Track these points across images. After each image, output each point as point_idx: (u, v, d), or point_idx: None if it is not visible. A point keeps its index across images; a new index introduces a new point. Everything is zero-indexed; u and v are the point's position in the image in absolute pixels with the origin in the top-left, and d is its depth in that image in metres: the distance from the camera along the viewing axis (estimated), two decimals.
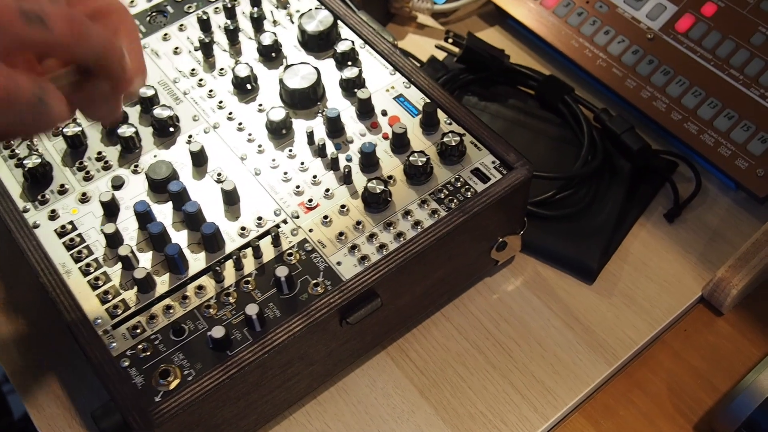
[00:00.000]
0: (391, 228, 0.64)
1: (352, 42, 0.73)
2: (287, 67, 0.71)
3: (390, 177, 0.67)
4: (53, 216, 0.66)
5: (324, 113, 0.69)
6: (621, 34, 0.84)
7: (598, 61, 0.84)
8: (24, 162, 0.67)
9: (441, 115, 0.70)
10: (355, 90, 0.70)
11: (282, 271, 0.61)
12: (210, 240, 0.63)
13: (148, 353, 0.59)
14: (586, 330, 0.72)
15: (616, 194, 0.77)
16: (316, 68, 0.71)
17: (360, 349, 0.68)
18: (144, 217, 0.64)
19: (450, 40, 0.84)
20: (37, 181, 0.68)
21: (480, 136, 0.68)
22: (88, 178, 0.68)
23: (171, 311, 0.61)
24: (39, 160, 0.67)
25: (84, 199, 0.67)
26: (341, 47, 0.73)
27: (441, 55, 0.88)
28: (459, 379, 0.69)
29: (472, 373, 0.70)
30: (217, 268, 0.62)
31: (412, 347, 0.71)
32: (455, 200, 0.65)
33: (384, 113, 0.70)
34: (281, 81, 0.70)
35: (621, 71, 0.83)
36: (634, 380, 0.70)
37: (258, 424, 0.65)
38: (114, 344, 0.59)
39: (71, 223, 0.66)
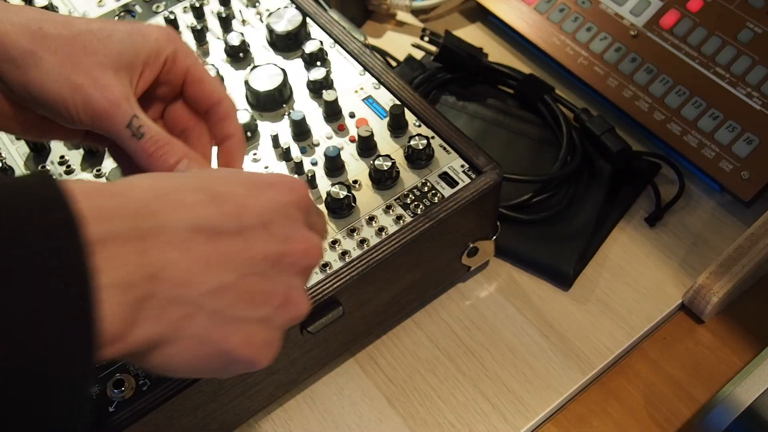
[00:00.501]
0: (355, 234, 0.62)
1: (321, 42, 0.72)
2: (253, 68, 0.70)
3: (355, 181, 0.65)
4: None
5: (289, 116, 0.67)
6: (603, 30, 0.82)
7: (580, 59, 0.82)
8: None
9: (411, 117, 0.68)
10: (323, 91, 0.68)
11: None
12: None
13: (104, 361, 0.58)
14: (560, 338, 0.70)
15: (595, 197, 0.75)
16: (282, 69, 0.69)
17: (325, 357, 0.66)
18: None
19: (426, 39, 0.82)
20: None
21: (449, 138, 0.66)
22: None
23: None
24: (1, 164, 0.66)
25: None
26: (309, 47, 0.71)
27: (419, 54, 0.86)
28: (428, 387, 0.68)
29: (441, 382, 0.68)
30: None
31: (381, 354, 0.70)
32: (421, 206, 0.63)
33: (352, 115, 0.69)
34: (246, 83, 0.69)
35: (603, 69, 0.81)
36: (609, 390, 0.68)
37: None
38: None
39: None
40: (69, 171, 0.67)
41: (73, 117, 0.52)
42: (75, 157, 0.68)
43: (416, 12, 0.93)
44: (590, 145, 0.77)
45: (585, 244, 0.73)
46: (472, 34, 0.92)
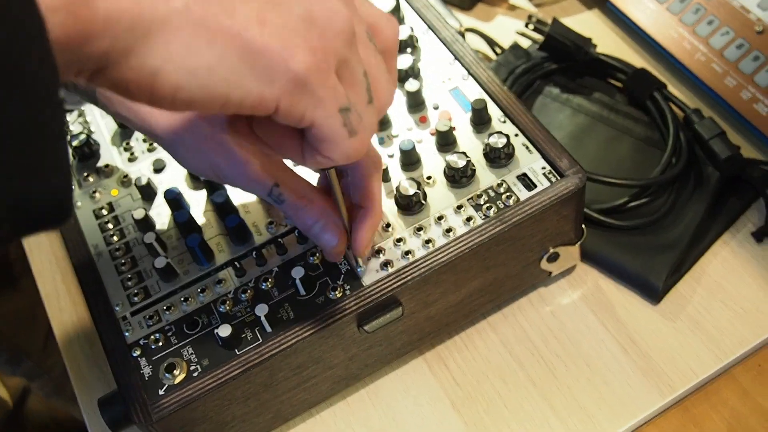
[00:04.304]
0: (421, 233, 0.60)
1: (412, 28, 0.69)
2: None
3: (429, 177, 0.62)
4: (93, 196, 0.67)
5: None
6: (726, 24, 0.74)
7: (697, 55, 0.75)
8: (73, 139, 0.68)
9: (497, 112, 0.65)
10: (407, 81, 0.66)
11: (298, 272, 0.58)
12: (234, 233, 0.62)
13: (160, 344, 0.58)
14: (642, 355, 0.65)
15: (697, 206, 0.69)
16: None
17: (389, 354, 0.65)
18: (174, 203, 0.64)
19: (531, 27, 0.78)
20: (84, 158, 0.68)
21: (533, 137, 0.63)
22: (132, 159, 0.68)
23: (188, 303, 0.60)
24: (86, 138, 0.68)
25: (125, 180, 0.67)
26: (399, 34, 0.68)
27: (526, 42, 0.81)
28: (496, 394, 0.65)
29: (510, 390, 0.65)
30: (237, 263, 0.61)
31: (451, 355, 0.67)
32: (494, 208, 0.60)
33: (436, 107, 0.66)
34: None
35: (721, 67, 0.74)
36: (690, 416, 0.63)
37: (275, 423, 0.64)
38: (129, 332, 0.59)
39: (110, 204, 0.66)
40: (152, 148, 0.68)
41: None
42: None
43: None
44: (700, 149, 0.71)
45: (680, 257, 0.67)
46: (588, 21, 0.86)
